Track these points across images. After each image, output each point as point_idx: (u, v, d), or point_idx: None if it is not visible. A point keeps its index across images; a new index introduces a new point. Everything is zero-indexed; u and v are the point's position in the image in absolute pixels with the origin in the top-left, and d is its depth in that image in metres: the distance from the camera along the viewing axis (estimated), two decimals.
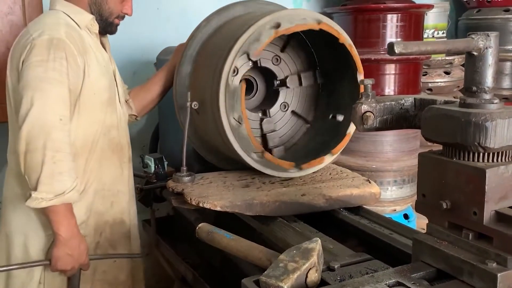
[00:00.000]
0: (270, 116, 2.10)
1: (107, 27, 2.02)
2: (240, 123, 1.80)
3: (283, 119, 2.15)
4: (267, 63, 2.05)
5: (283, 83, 2.08)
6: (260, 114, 2.10)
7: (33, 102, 1.70)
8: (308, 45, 2.12)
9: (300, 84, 2.10)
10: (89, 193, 1.97)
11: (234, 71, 1.79)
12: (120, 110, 2.08)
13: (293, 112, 2.16)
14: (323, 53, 2.10)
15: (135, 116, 2.28)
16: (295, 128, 2.17)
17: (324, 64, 2.12)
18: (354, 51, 1.92)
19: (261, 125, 2.08)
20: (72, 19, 1.91)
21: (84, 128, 1.91)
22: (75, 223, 1.84)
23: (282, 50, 2.07)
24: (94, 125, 1.94)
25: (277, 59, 2.07)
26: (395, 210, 3.12)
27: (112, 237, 2.08)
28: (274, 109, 2.12)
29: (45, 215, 1.82)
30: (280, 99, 2.13)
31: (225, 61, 1.77)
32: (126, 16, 2.09)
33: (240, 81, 1.83)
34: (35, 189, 1.71)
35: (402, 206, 3.14)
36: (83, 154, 1.92)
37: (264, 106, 2.14)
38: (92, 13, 1.96)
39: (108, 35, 2.10)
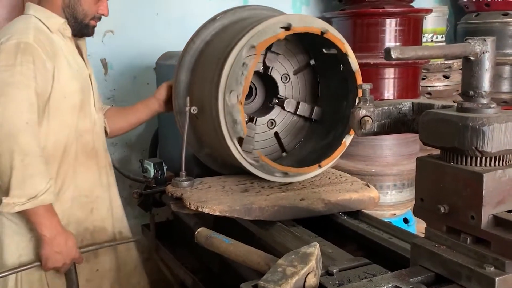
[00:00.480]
0: (254, 124, 2.09)
1: (83, 30, 2.01)
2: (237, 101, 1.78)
3: (264, 134, 2.12)
4: (276, 76, 2.07)
5: (281, 102, 2.09)
6: (246, 118, 2.09)
7: None
8: (317, 82, 2.15)
9: (296, 111, 2.11)
10: (65, 199, 1.96)
11: (243, 65, 1.76)
12: (95, 115, 2.06)
13: (276, 134, 2.14)
14: (328, 96, 2.13)
15: (106, 133, 2.24)
16: (270, 150, 2.15)
17: (325, 106, 2.15)
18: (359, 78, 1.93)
19: (268, 126, 2.10)
20: (44, 23, 1.90)
21: (55, 132, 1.90)
22: (57, 221, 1.83)
23: (295, 74, 2.10)
24: (65, 129, 1.93)
25: (287, 78, 2.09)
26: (394, 214, 3.12)
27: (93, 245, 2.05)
28: (261, 121, 2.11)
29: (24, 219, 1.82)
30: (271, 115, 2.13)
31: (230, 52, 1.76)
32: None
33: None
34: (7, 194, 1.71)
35: (402, 210, 3.14)
36: (55, 159, 1.91)
37: (254, 115, 2.13)
38: (66, 17, 1.95)
39: (86, 38, 2.10)
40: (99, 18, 2.05)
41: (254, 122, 2.09)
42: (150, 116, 2.29)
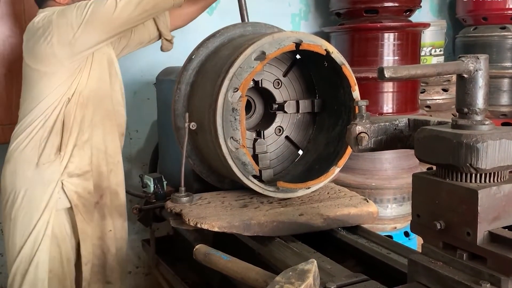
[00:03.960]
0: (263, 138, 2.11)
1: None
2: (238, 146, 1.82)
3: (276, 142, 2.15)
4: (268, 85, 2.08)
5: (281, 107, 2.10)
6: (254, 135, 2.11)
7: None
8: (309, 75, 2.15)
9: (298, 111, 2.12)
10: (91, 145, 2.13)
11: (235, 89, 1.81)
12: (122, 87, 2.27)
13: (287, 137, 2.17)
14: (323, 83, 2.13)
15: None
16: (287, 154, 2.18)
17: (323, 95, 2.16)
18: (348, 71, 1.94)
19: (254, 145, 2.09)
20: None
21: (93, 82, 2.11)
22: None
23: (284, 75, 2.11)
24: (101, 83, 2.14)
25: (279, 83, 2.10)
26: (395, 227, 3.11)
27: (110, 204, 2.21)
28: (269, 132, 2.13)
29: None
30: (276, 123, 2.14)
31: (240, 54, 1.81)
32: None
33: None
34: None
35: (403, 224, 3.14)
36: (90, 105, 2.11)
37: (260, 127, 2.15)
38: None
39: None
40: None
41: (262, 136, 2.11)
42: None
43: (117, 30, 2.09)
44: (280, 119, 2.15)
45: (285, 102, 2.10)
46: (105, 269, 2.23)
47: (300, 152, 2.18)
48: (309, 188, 1.98)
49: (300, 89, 2.16)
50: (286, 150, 2.18)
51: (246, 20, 2.44)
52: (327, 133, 2.13)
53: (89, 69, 2.11)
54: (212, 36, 2.09)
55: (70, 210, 2.12)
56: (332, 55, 1.91)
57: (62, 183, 2.07)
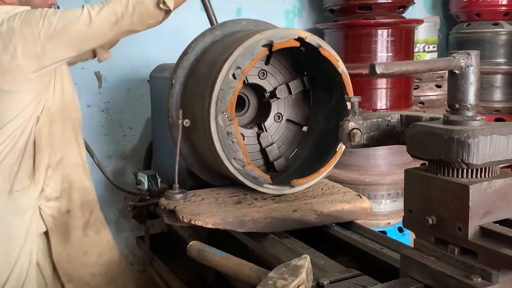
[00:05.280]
0: (266, 130, 2.12)
1: None
2: (229, 122, 1.81)
3: (279, 129, 2.17)
4: (254, 79, 2.08)
5: (273, 94, 2.11)
6: (256, 129, 2.12)
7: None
8: (292, 55, 2.13)
9: (290, 93, 2.12)
10: (64, 164, 2.02)
11: (223, 112, 1.81)
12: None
13: (288, 120, 2.18)
14: (308, 61, 2.13)
15: None
16: (292, 136, 2.20)
17: (310, 70, 2.15)
18: (326, 51, 1.93)
19: (259, 140, 2.10)
20: None
21: (57, 95, 1.99)
22: None
23: (267, 63, 2.10)
24: (65, 94, 2.03)
25: (264, 73, 2.09)
26: (389, 223, 3.13)
27: (87, 218, 2.13)
28: (269, 122, 2.14)
29: None
30: (273, 111, 2.15)
31: (217, 75, 1.80)
32: None
33: None
34: (159, 3, 1.92)
35: (397, 220, 3.15)
36: (59, 121, 1.99)
37: (259, 120, 2.16)
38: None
39: None
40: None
41: (264, 128, 2.12)
42: None
43: (90, 46, 2.01)
44: (276, 106, 2.15)
45: (275, 88, 2.10)
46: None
47: (305, 128, 2.20)
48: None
49: (287, 71, 2.15)
50: (291, 133, 2.20)
51: (214, 23, 2.34)
52: (325, 107, 2.13)
53: (53, 82, 1.98)
54: (206, 32, 2.08)
55: (45, 233, 2.01)
56: (307, 40, 1.89)
57: (40, 208, 1.96)
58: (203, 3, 2.41)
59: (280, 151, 2.14)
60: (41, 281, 2.01)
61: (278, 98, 2.11)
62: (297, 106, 2.19)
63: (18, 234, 1.93)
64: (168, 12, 1.98)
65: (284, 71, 2.14)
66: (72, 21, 1.85)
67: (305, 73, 2.15)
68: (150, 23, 1.99)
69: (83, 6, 1.88)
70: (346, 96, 1.93)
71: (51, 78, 1.96)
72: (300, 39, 1.88)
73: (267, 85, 2.11)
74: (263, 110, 2.17)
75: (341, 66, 1.94)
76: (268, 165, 2.12)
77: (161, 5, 1.92)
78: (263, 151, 2.10)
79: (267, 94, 2.11)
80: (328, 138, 2.07)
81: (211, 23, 2.36)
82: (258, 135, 2.10)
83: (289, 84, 2.11)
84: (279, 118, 2.16)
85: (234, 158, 1.83)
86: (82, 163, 2.13)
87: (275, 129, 2.16)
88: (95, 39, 1.93)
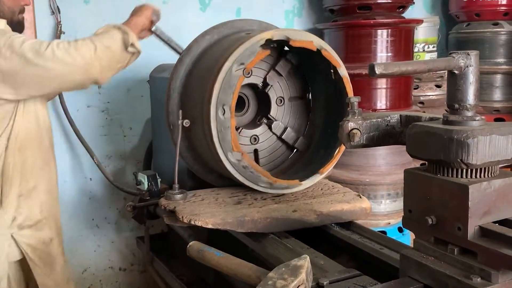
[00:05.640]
0: (275, 119, 2.12)
1: (17, 28, 1.94)
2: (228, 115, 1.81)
3: (285, 112, 2.16)
4: (272, 95, 2.10)
5: (266, 84, 2.10)
6: (265, 122, 2.12)
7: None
8: (301, 70, 2.16)
9: (280, 74, 2.11)
10: (39, 191, 1.96)
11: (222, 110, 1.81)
12: (46, 111, 2.06)
13: (289, 99, 2.17)
14: (316, 80, 2.14)
15: None
16: (300, 112, 2.19)
17: (316, 92, 2.17)
18: (348, 84, 1.96)
19: (272, 131, 2.11)
20: None
21: (28, 121, 1.90)
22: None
23: (290, 100, 2.15)
24: (35, 119, 1.94)
25: (281, 101, 2.13)
26: (389, 223, 3.12)
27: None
28: (274, 110, 2.13)
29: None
30: (273, 98, 2.12)
31: (220, 69, 1.79)
32: None
33: None
34: (126, 47, 1.87)
35: (396, 219, 3.15)
36: (29, 148, 1.91)
37: (263, 113, 2.15)
38: None
39: None
40: (23, 10, 1.99)
41: (272, 119, 2.13)
42: None
43: (53, 90, 1.95)
44: (273, 93, 2.13)
45: (275, 120, 2.11)
46: None
47: (300, 138, 2.18)
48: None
49: (294, 121, 2.18)
50: (298, 109, 2.19)
51: (180, 50, 2.22)
52: (320, 76, 2.13)
53: (22, 109, 1.88)
54: (205, 33, 2.08)
55: (23, 262, 1.96)
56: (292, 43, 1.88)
57: (13, 237, 1.90)
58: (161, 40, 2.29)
59: (296, 131, 2.16)
60: None
61: (271, 85, 2.11)
62: (293, 82, 2.17)
63: None
64: (135, 54, 1.94)
65: (267, 58, 2.10)
66: (29, 60, 1.72)
67: (289, 49, 2.12)
68: (118, 67, 1.93)
69: (46, 43, 1.77)
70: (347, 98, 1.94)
71: (18, 106, 1.86)
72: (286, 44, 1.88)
73: (257, 79, 2.10)
74: (264, 102, 2.16)
75: (342, 69, 1.95)
76: (291, 149, 2.16)
77: (129, 48, 1.87)
78: (280, 139, 2.12)
79: (261, 85, 2.11)
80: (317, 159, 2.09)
81: (178, 52, 2.23)
82: (269, 127, 2.11)
83: (276, 67, 2.10)
84: (281, 102, 2.15)
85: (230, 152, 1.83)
86: (54, 189, 2.08)
87: (282, 113, 2.16)
88: (61, 83, 1.82)
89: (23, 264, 1.97)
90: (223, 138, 1.81)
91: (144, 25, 2.03)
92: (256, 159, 2.11)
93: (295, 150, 2.17)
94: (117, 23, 1.98)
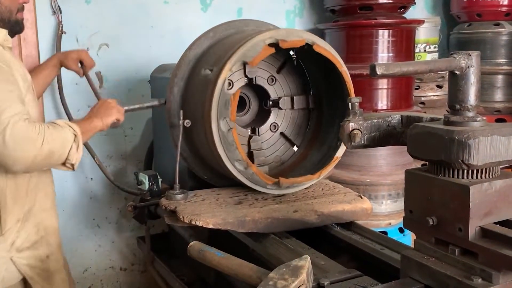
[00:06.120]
0: (258, 135, 2.12)
1: (15, 28, 1.90)
2: (230, 130, 1.82)
3: (271, 139, 2.16)
4: (262, 82, 2.08)
5: (276, 103, 2.11)
6: (249, 132, 2.12)
7: None
8: (303, 70, 2.15)
9: (292, 107, 2.13)
10: (36, 212, 1.93)
11: (229, 84, 1.82)
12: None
13: (281, 133, 2.18)
14: (318, 80, 2.14)
15: None
16: (282, 149, 2.19)
17: (318, 89, 2.16)
18: (347, 77, 1.95)
19: (249, 142, 2.09)
20: None
21: None
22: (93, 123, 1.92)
23: (278, 72, 2.11)
24: None
25: (273, 80, 2.10)
26: (390, 224, 3.12)
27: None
28: (264, 128, 2.14)
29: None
30: (271, 120, 2.15)
31: (222, 69, 1.80)
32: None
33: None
34: (65, 163, 1.77)
35: (397, 220, 3.14)
36: (21, 173, 1.84)
37: (254, 124, 2.16)
38: None
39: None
40: (23, 8, 1.93)
41: (257, 133, 2.12)
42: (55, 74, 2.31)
43: None
44: (275, 116, 2.15)
45: (279, 98, 2.10)
46: None
47: (295, 148, 2.19)
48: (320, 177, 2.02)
49: (295, 85, 2.16)
50: (282, 145, 2.19)
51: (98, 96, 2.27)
52: (324, 131, 2.14)
53: None
54: (206, 34, 2.08)
55: (21, 282, 1.92)
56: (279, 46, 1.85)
57: (12, 260, 1.87)
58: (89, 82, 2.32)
59: (266, 160, 2.12)
60: None
61: (280, 108, 2.12)
62: (295, 123, 2.19)
63: None
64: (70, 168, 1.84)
65: (292, 84, 2.16)
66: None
67: (312, 92, 2.16)
68: (42, 168, 1.84)
69: (12, 114, 1.64)
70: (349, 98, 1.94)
71: None
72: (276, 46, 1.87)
73: (273, 92, 2.12)
74: (262, 116, 2.17)
75: (346, 76, 1.96)
76: (294, 146, 2.16)
77: (67, 164, 1.80)
78: (250, 153, 2.08)
79: (270, 102, 2.12)
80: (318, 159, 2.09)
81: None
82: (250, 137, 2.09)
83: (294, 97, 2.12)
84: (274, 128, 2.16)
85: (236, 160, 1.85)
86: (50, 204, 2.04)
87: (268, 137, 2.15)
88: None
89: (23, 285, 1.94)
90: (228, 149, 1.83)
91: (100, 130, 1.97)
92: (287, 139, 2.17)
93: (312, 110, 2.18)
94: (77, 120, 1.95)
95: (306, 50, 1.90)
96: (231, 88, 1.88)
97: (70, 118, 2.86)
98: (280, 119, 2.16)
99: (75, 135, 1.78)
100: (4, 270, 1.86)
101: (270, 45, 1.84)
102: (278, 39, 1.83)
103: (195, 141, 2.03)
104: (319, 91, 2.16)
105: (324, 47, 1.91)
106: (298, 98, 2.13)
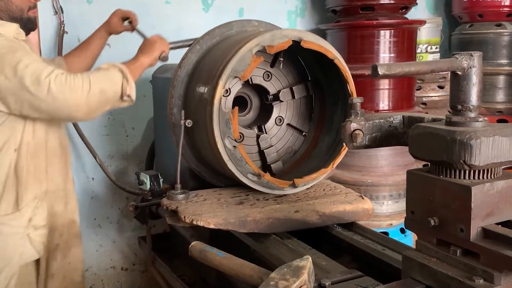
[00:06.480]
0: (266, 132, 2.12)
1: (28, 25, 1.96)
2: (235, 146, 1.84)
3: (279, 133, 2.17)
4: (258, 80, 2.08)
5: (276, 97, 2.11)
6: (256, 131, 2.12)
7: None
8: (298, 58, 2.14)
9: (293, 97, 2.13)
10: (48, 195, 1.99)
11: (226, 91, 1.83)
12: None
13: (288, 124, 2.18)
14: (313, 64, 2.13)
15: None
16: (292, 140, 2.20)
17: (315, 74, 2.16)
18: (341, 65, 1.94)
19: (258, 141, 2.10)
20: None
21: (38, 126, 1.92)
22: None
23: (272, 66, 2.10)
24: (49, 127, 1.97)
25: (268, 75, 2.10)
26: (391, 224, 3.12)
27: (68, 238, 2.09)
28: (270, 124, 2.15)
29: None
30: (275, 114, 2.15)
31: (216, 88, 1.81)
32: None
33: (233, 105, 1.90)
34: (122, 97, 1.88)
35: (399, 221, 3.14)
36: (41, 153, 1.94)
37: (260, 122, 2.16)
38: (6, 20, 1.88)
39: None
40: (35, 6, 2.00)
41: (264, 130, 2.12)
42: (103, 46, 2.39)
43: (38, 115, 1.85)
44: (278, 109, 2.15)
45: (279, 91, 2.10)
46: None
47: (304, 134, 2.21)
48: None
49: (291, 75, 2.15)
50: (291, 136, 2.20)
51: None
52: (329, 111, 2.14)
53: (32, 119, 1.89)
54: (192, 48, 2.08)
55: (36, 261, 2.00)
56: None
57: (29, 237, 1.94)
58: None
59: (279, 154, 2.14)
60: None
61: (281, 101, 2.11)
62: (299, 111, 2.19)
63: None
64: (127, 102, 1.93)
65: (289, 75, 2.15)
66: (26, 86, 1.73)
67: (309, 78, 2.15)
68: (107, 109, 1.93)
69: (50, 72, 1.75)
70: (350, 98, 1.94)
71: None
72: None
73: (271, 87, 2.11)
74: (265, 112, 2.17)
75: (341, 63, 1.95)
76: (265, 167, 2.11)
77: (124, 98, 1.89)
78: (261, 152, 2.10)
79: (270, 97, 2.11)
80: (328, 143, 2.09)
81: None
82: (258, 136, 2.10)
83: (293, 88, 2.11)
84: (280, 122, 2.16)
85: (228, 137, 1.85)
86: (69, 188, 2.10)
87: (275, 132, 2.16)
88: (48, 113, 1.81)
89: (37, 264, 2.00)
90: (238, 164, 1.86)
91: (150, 65, 2.05)
92: (295, 128, 2.18)
93: (307, 132, 2.20)
94: (124, 62, 1.98)
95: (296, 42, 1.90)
96: (228, 94, 1.89)
97: None
98: (284, 111, 2.16)
99: (122, 71, 1.89)
100: (22, 246, 1.92)
101: (258, 52, 1.84)
102: (264, 46, 1.83)
103: (196, 141, 2.03)
104: (316, 75, 2.15)
105: (312, 41, 1.90)
106: (297, 88, 2.13)
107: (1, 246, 1.90)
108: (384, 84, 3.10)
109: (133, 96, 1.91)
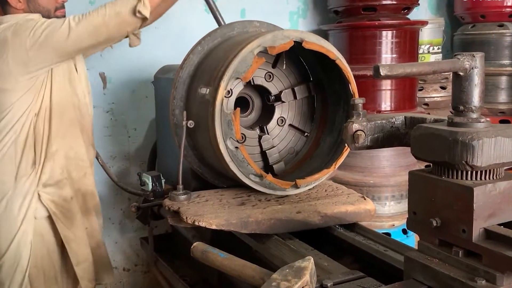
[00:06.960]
0: (268, 133, 2.12)
1: None
2: (237, 147, 1.84)
3: (281, 133, 2.17)
4: (260, 81, 2.08)
5: (278, 98, 2.11)
6: (258, 131, 2.12)
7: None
8: (299, 59, 2.14)
9: (295, 97, 2.12)
10: (60, 155, 2.19)
11: (228, 92, 1.83)
12: (84, 95, 2.28)
13: (290, 125, 2.18)
14: (315, 65, 2.13)
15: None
16: (294, 140, 2.20)
17: (317, 75, 2.16)
18: (343, 65, 1.94)
19: (260, 142, 2.10)
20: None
21: (56, 94, 2.14)
22: None
23: (274, 66, 2.10)
24: (63, 93, 2.17)
25: (270, 76, 2.10)
26: (393, 225, 3.12)
27: (85, 206, 2.28)
28: (272, 125, 2.14)
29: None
30: (277, 114, 2.15)
31: (217, 89, 1.81)
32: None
33: (235, 106, 1.89)
34: (135, 12, 2.05)
35: (401, 221, 3.14)
36: (55, 117, 2.15)
37: (261, 123, 2.16)
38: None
39: None
40: (63, 6, 2.22)
41: (266, 131, 2.12)
42: None
43: (71, 55, 2.14)
44: (280, 110, 2.15)
45: (281, 92, 2.10)
46: (93, 266, 2.32)
47: (306, 134, 2.21)
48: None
49: (293, 76, 2.15)
50: (293, 137, 2.20)
51: (222, 22, 2.44)
52: (331, 111, 2.15)
53: (50, 84, 2.13)
54: (194, 49, 2.08)
55: (50, 218, 2.19)
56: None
57: (39, 194, 2.15)
58: (208, 5, 2.48)
59: (281, 155, 2.14)
60: (42, 260, 2.19)
61: (283, 102, 2.11)
62: (300, 112, 2.19)
63: (17, 216, 2.12)
64: (144, 19, 2.10)
65: (291, 75, 2.15)
66: (53, 32, 2.02)
67: (311, 79, 2.15)
68: (128, 30, 2.16)
69: (66, 18, 2.06)
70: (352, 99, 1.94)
71: (47, 80, 2.12)
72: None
73: (273, 88, 2.11)
74: (267, 113, 2.17)
75: (342, 63, 1.95)
76: (267, 168, 2.11)
77: (137, 14, 2.06)
78: (263, 153, 2.10)
79: (272, 97, 2.11)
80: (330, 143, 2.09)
81: (218, 23, 2.38)
82: (260, 137, 2.10)
83: (295, 88, 2.11)
84: (282, 122, 2.16)
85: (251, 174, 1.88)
86: (84, 161, 2.29)
87: (277, 132, 2.16)
88: (74, 48, 2.10)
89: (52, 221, 2.19)
90: (240, 165, 1.86)
91: None
92: (297, 129, 2.18)
93: (309, 133, 2.20)
94: None
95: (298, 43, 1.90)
96: (230, 95, 1.89)
97: None
98: (286, 111, 2.16)
99: None
100: (36, 202, 2.14)
101: (260, 53, 1.84)
102: (265, 47, 1.83)
103: (198, 142, 2.04)
104: (318, 76, 2.15)
105: (314, 42, 1.90)
106: (299, 88, 2.12)
107: (20, 203, 2.12)
108: (386, 84, 3.10)
109: (146, 13, 2.05)
